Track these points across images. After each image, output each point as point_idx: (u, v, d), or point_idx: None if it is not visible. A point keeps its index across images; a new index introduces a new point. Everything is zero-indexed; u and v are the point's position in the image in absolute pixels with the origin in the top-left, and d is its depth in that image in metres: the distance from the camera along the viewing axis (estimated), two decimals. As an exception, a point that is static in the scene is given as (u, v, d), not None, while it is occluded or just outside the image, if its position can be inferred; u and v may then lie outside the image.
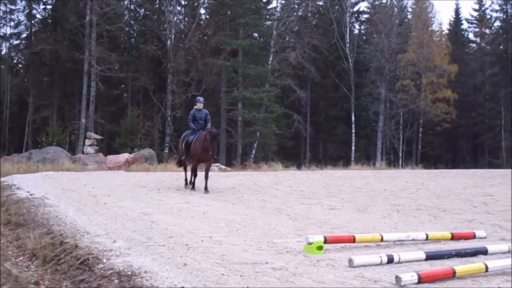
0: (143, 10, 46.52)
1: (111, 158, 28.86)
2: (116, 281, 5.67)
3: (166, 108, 40.73)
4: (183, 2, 45.56)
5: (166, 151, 39.04)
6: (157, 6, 44.49)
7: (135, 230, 8.50)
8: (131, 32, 46.39)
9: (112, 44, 40.46)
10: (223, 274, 5.87)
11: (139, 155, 28.94)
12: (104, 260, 6.42)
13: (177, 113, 41.09)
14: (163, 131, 41.03)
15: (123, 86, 45.57)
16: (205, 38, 44.58)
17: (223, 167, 29.96)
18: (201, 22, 45.71)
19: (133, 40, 46.14)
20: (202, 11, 47.09)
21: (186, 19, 45.33)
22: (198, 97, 16.72)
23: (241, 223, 9.59)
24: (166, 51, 41.33)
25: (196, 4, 45.77)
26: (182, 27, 44.45)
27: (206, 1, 46.64)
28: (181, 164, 17.05)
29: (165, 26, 42.10)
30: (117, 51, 40.79)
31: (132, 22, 46.45)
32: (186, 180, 16.42)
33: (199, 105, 16.04)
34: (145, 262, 6.35)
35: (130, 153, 29.89)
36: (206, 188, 15.00)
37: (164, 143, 40.39)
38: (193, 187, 15.62)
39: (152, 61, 42.31)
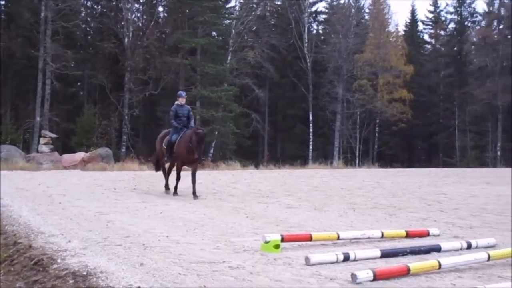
0: (100, 7, 45.88)
1: (67, 157, 28.38)
2: (71, 281, 5.59)
3: (123, 106, 40.21)
4: (141, 0, 45.11)
5: (123, 150, 38.58)
6: (114, 3, 43.79)
7: (90, 230, 8.41)
8: (88, 29, 45.68)
9: (68, 41, 39.63)
10: (180, 274, 5.84)
11: (96, 154, 28.53)
12: (59, 261, 6.32)
13: (135, 111, 40.74)
14: (120, 130, 40.51)
15: (79, 84, 44.77)
16: (163, 36, 44.23)
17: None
18: (159, 20, 45.37)
19: (89, 37, 45.36)
20: (160, 9, 46.77)
21: (144, 16, 44.87)
22: (180, 92, 15.17)
23: (198, 222, 9.57)
24: (123, 49, 40.70)
25: (154, 1, 45.42)
26: (140, 24, 44.07)
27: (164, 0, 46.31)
28: (159, 167, 15.67)
29: (123, 23, 41.55)
30: (73, 49, 39.90)
31: (88, 19, 45.77)
32: (166, 184, 15.04)
33: (181, 101, 14.56)
34: (101, 262, 6.28)
35: (86, 152, 29.44)
36: (194, 193, 13.59)
37: (121, 142, 39.90)
38: (175, 192, 14.22)
39: (109, 59, 41.76)
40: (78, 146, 34.31)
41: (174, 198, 13.77)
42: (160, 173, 15.70)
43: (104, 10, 44.80)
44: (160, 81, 40.69)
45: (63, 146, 37.79)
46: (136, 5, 44.72)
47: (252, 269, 6.15)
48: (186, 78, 42.00)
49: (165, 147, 14.38)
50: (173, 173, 15.00)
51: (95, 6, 46.56)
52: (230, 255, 6.90)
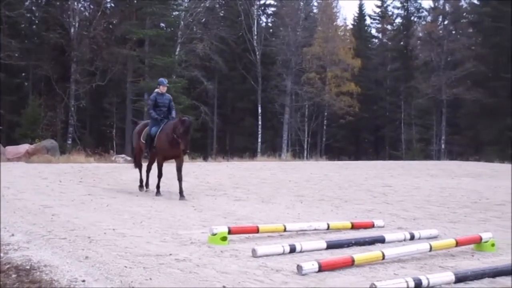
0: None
1: (11, 149, 27.62)
2: (14, 275, 5.48)
3: (69, 98, 39.49)
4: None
5: (69, 142, 37.93)
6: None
7: (34, 223, 8.27)
8: (33, 18, 44.55)
9: (12, 30, 38.56)
10: (126, 267, 5.81)
11: (41, 146, 27.88)
12: (1, 255, 6.21)
13: (81, 103, 40.19)
14: (66, 122, 39.76)
15: (24, 74, 43.59)
16: (111, 27, 43.58)
17: (129, 158, 29.42)
18: (107, 10, 44.63)
19: (34, 27, 44.30)
20: (108, -1, 46.00)
21: (91, 6, 44.18)
22: (162, 79, 13.42)
23: (145, 215, 9.52)
24: (69, 39, 39.97)
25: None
26: (87, 14, 43.35)
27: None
28: (139, 164, 14.12)
29: (69, 13, 40.78)
30: (18, 38, 38.98)
31: (33, 8, 44.65)
32: (141, 181, 13.89)
33: (162, 89, 12.97)
34: (45, 256, 6.19)
35: (31, 144, 28.78)
36: (181, 193, 12.18)
37: (67, 133, 39.20)
38: (158, 191, 12.80)
39: (54, 49, 40.81)
40: (22, 138, 33.41)
41: (120, 191, 13.61)
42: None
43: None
44: (107, 73, 40.11)
45: (7, 138, 36.76)
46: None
47: (199, 262, 6.16)
48: (134, 70, 41.59)
49: (143, 141, 12.97)
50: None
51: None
52: (177, 247, 6.89)
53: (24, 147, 27.38)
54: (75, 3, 41.38)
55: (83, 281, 5.25)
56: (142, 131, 13.28)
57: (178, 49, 43.28)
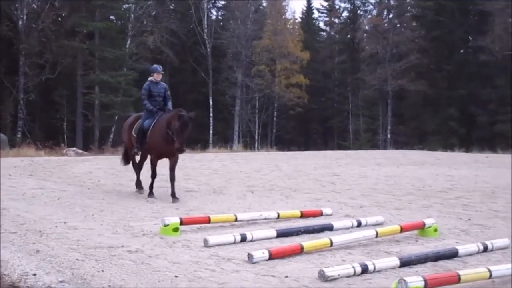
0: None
1: (-43, 143, 26.93)
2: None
3: (18, 91, 38.62)
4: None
5: (19, 135, 37.07)
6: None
7: (-17, 218, 8.09)
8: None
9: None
10: (77, 259, 5.76)
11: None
12: None
13: (31, 96, 39.37)
14: (16, 115, 38.91)
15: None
16: (60, 19, 42.71)
17: (80, 151, 29.03)
18: (55, 2, 43.66)
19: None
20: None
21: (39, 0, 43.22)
22: (155, 66, 11.62)
23: (97, 208, 9.41)
24: (17, 31, 39.06)
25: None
26: (35, 7, 42.30)
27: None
28: (128, 160, 12.47)
29: (17, 5, 39.88)
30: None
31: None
32: (138, 181, 11.91)
33: (157, 76, 11.26)
34: (-6, 251, 6.08)
35: (-21, 138, 28.05)
36: (173, 195, 10.48)
37: (16, 127, 38.31)
38: (151, 192, 10.98)
39: (2, 42, 39.81)
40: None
41: (72, 183, 13.38)
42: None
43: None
44: (57, 65, 39.35)
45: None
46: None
47: (151, 252, 6.15)
48: (84, 63, 41.10)
49: (134, 135, 11.23)
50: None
51: (-13, -13, 44.14)
52: (129, 239, 6.86)
53: (-29, 141, 26.63)
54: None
55: (34, 274, 5.19)
56: (134, 124, 11.54)
57: (128, 42, 42.85)
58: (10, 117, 38.57)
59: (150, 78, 11.30)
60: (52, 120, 42.35)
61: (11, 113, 38.79)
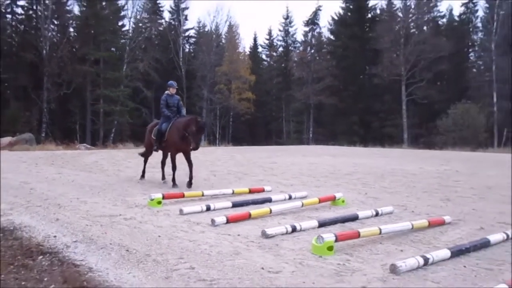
0: (23, 26, 42.02)
1: (-3, 141, 25.89)
2: (0, 235, 5.20)
3: (42, 102, 37.70)
4: (55, 22, 42.05)
5: (43, 135, 36.13)
6: (34, 23, 40.79)
7: (16, 196, 7.85)
8: (13, 43, 41.69)
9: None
10: (87, 225, 5.67)
11: (20, 138, 26.26)
12: (-8, 219, 5.87)
13: (52, 105, 38.76)
14: (40, 120, 37.93)
15: (6, 85, 41.01)
16: (74, 49, 41.63)
17: (89, 146, 28.37)
18: (70, 37, 42.56)
19: (14, 49, 41.57)
20: (71, 29, 43.81)
21: (59, 34, 42.02)
22: (171, 82, 10.64)
23: (101, 187, 9.24)
24: (42, 58, 38.15)
25: (66, 24, 42.64)
26: (55, 40, 41.19)
27: (74, 22, 43.53)
28: (146, 156, 11.27)
29: (41, 39, 38.80)
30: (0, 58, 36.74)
31: (13, 35, 41.85)
32: (143, 172, 11.05)
33: (172, 90, 10.35)
34: (25, 220, 5.94)
35: (13, 137, 27.05)
36: (190, 183, 9.44)
37: (41, 129, 37.32)
38: (174, 183, 9.71)
39: (30, 66, 38.64)
40: (5, 133, 31.46)
41: (82, 170, 13.07)
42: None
43: (27, 28, 41.32)
44: (72, 83, 38.56)
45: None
46: (52, 26, 41.69)
47: (141, 219, 6.09)
48: (92, 81, 40.48)
49: (154, 137, 10.36)
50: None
51: (19, 25, 42.52)
52: (125, 210, 6.77)
53: (7, 139, 25.69)
54: (46, 32, 39.45)
55: (55, 236, 5.09)
56: (153, 129, 10.59)
57: (125, 67, 42.23)
58: (36, 121, 37.67)
59: (166, 92, 10.37)
60: (68, 123, 41.21)
61: (37, 118, 37.93)
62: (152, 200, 7.08)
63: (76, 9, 43.41)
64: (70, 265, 4.06)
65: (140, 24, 46.05)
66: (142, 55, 44.32)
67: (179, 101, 10.49)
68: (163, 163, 10.78)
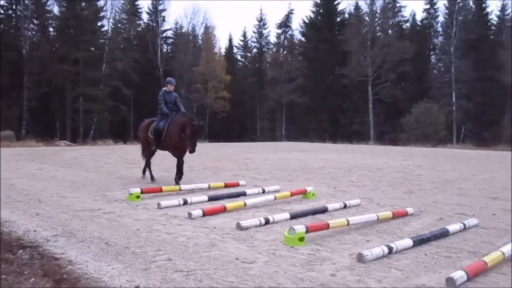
0: (2, 25, 40.74)
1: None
2: (-20, 229, 5.06)
3: (23, 100, 36.80)
4: (35, 22, 40.98)
5: (23, 132, 35.35)
6: (14, 23, 39.65)
7: (-4, 191, 7.62)
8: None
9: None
10: (67, 219, 5.56)
11: (1, 135, 25.56)
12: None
13: (32, 103, 37.76)
14: (21, 117, 37.03)
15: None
16: (54, 49, 40.70)
17: (69, 143, 27.81)
18: (50, 37, 41.59)
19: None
20: (51, 29, 42.78)
21: (38, 34, 40.97)
22: (170, 78, 9.84)
23: (81, 182, 9.08)
24: (22, 58, 37.22)
25: (46, 23, 41.59)
26: (35, 40, 40.17)
27: (53, 22, 42.48)
28: (145, 155, 10.28)
29: (21, 39, 37.81)
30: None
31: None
32: (144, 170, 10.19)
33: (170, 87, 9.58)
34: (5, 215, 5.78)
35: (-5, 134, 26.27)
36: (179, 177, 9.06)
37: (21, 126, 36.49)
38: (177, 182, 8.88)
39: (11, 65, 37.55)
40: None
41: (63, 166, 12.79)
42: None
43: (6, 28, 40.11)
44: (52, 82, 37.65)
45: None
46: (32, 25, 40.65)
47: (120, 213, 6.01)
48: (72, 80, 39.55)
49: (151, 136, 9.53)
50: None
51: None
52: (105, 204, 6.66)
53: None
54: (26, 31, 38.50)
55: (35, 231, 4.97)
56: (149, 126, 9.77)
57: (104, 66, 41.51)
58: (16, 119, 36.74)
59: (164, 88, 9.59)
60: (48, 120, 40.40)
61: (18, 116, 36.99)
62: (131, 194, 6.99)
63: (56, 9, 42.50)
64: (50, 259, 3.98)
65: (119, 25, 45.41)
66: (121, 55, 43.74)
67: (177, 98, 9.73)
68: (148, 161, 9.99)
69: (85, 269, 3.71)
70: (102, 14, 43.81)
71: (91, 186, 8.54)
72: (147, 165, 9.98)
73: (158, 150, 9.83)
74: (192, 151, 8.60)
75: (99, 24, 44.03)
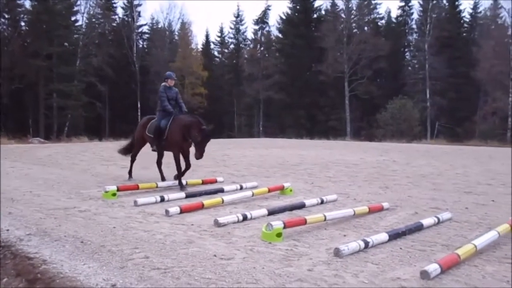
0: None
1: None
2: (-50, 229, 4.91)
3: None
4: (6, 16, 39.89)
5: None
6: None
7: (-33, 190, 7.41)
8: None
9: None
10: (41, 218, 5.45)
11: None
12: None
13: (3, 100, 36.66)
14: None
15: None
16: (25, 44, 39.72)
17: (42, 140, 27.24)
18: (22, 32, 40.58)
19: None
20: (23, 23, 41.71)
21: (9, 28, 39.92)
22: (170, 73, 9.13)
23: (55, 180, 8.91)
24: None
25: (17, 18, 40.51)
26: (6, 34, 39.09)
27: (25, 17, 41.41)
28: (128, 152, 9.79)
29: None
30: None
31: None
32: (130, 171, 9.58)
33: (170, 82, 8.89)
34: (-25, 214, 5.61)
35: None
36: (179, 182, 8.19)
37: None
38: (181, 185, 8.10)
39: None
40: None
41: (36, 163, 12.53)
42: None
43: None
44: (24, 78, 36.77)
45: None
46: (3, 20, 39.56)
47: (96, 211, 5.92)
48: (45, 76, 38.68)
49: (149, 135, 8.81)
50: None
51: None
52: (80, 202, 6.56)
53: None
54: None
55: (7, 230, 4.86)
56: (147, 124, 9.07)
57: (78, 62, 40.71)
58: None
59: (163, 84, 8.87)
60: (21, 117, 39.48)
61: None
62: (106, 192, 6.90)
63: (27, 4, 41.52)
64: (23, 258, 3.89)
65: (94, 20, 44.60)
66: (96, 50, 42.98)
67: (178, 94, 9.07)
68: (159, 164, 9.36)
69: (59, 268, 3.64)
70: (76, 8, 43.01)
71: (65, 184, 8.39)
72: (131, 162, 9.48)
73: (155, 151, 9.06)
74: (200, 157, 7.93)
75: (72, 19, 43.15)
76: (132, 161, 9.59)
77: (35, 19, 38.95)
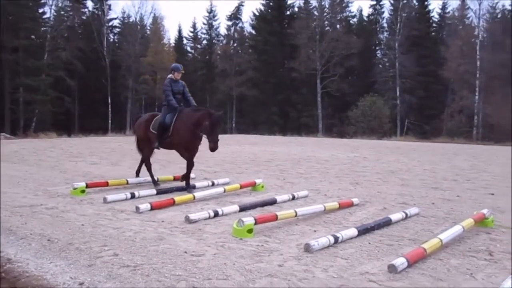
0: None
1: None
2: None
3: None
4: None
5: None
6: None
7: None
8: None
9: None
10: (5, 216, 5.31)
11: None
12: None
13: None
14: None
15: None
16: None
17: (8, 136, 26.45)
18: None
19: None
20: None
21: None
22: (176, 64, 8.06)
23: (21, 177, 8.67)
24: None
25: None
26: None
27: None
28: (141, 151, 8.71)
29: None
30: None
31: None
32: (138, 171, 8.87)
33: (176, 75, 7.86)
34: None
35: None
36: (187, 183, 7.57)
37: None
38: (188, 185, 7.55)
39: None
40: None
41: (2, 160, 12.15)
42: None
43: None
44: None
45: None
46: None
47: (64, 208, 5.81)
48: (11, 69, 37.47)
49: (153, 131, 7.94)
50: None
51: None
52: (47, 199, 6.41)
53: None
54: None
55: (-30, 228, 4.70)
56: (151, 120, 8.14)
57: (46, 55, 39.61)
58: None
59: (170, 76, 7.91)
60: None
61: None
62: (75, 189, 6.77)
63: (-8, -6, 40.01)
64: (-13, 257, 3.79)
65: (62, 12, 43.50)
66: (65, 44, 41.95)
67: (185, 88, 8.08)
68: (146, 158, 8.46)
69: (25, 267, 3.56)
70: (43, 0, 41.82)
71: (32, 181, 8.19)
72: (147, 166, 8.29)
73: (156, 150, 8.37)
74: (214, 148, 7.23)
75: (40, 11, 42.02)
76: (146, 164, 8.38)
77: (1, 11, 37.70)
